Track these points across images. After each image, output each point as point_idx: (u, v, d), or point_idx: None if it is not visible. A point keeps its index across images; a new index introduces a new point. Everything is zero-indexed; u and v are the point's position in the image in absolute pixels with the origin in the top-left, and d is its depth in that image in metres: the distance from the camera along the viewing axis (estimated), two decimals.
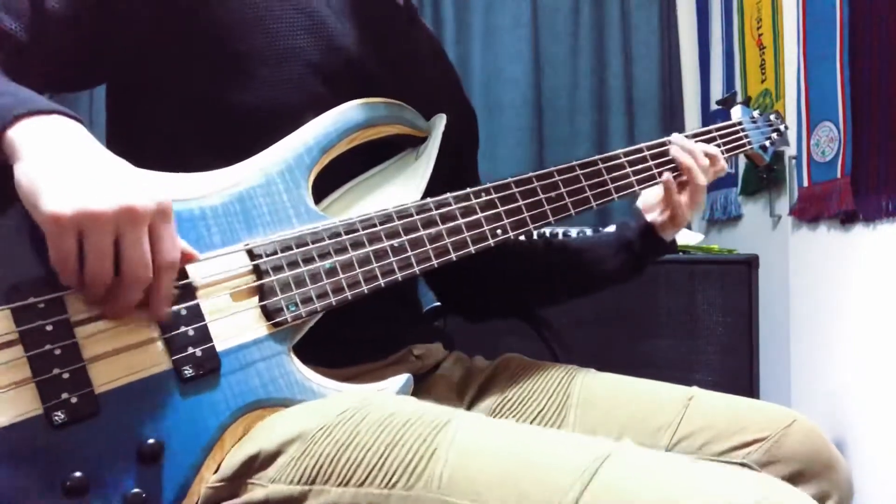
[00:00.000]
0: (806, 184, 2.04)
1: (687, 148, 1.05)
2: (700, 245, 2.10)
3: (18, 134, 0.61)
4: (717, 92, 2.63)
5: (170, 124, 0.82)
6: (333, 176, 0.83)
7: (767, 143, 1.22)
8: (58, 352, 0.60)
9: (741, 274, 1.92)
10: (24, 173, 0.59)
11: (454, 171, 0.95)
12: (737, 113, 1.21)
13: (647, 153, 1.04)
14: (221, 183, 0.74)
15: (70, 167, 0.59)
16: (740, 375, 1.88)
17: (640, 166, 1.02)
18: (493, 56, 2.62)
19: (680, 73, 2.76)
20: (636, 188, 1.01)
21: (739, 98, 1.24)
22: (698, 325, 1.92)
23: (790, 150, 2.11)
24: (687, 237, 2.13)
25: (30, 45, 0.74)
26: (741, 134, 1.17)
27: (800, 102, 2.05)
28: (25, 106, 0.62)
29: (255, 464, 0.66)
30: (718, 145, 1.11)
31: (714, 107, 2.65)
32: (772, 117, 1.25)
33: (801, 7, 2.03)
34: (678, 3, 2.77)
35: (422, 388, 0.93)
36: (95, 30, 0.78)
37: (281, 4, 0.84)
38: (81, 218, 0.58)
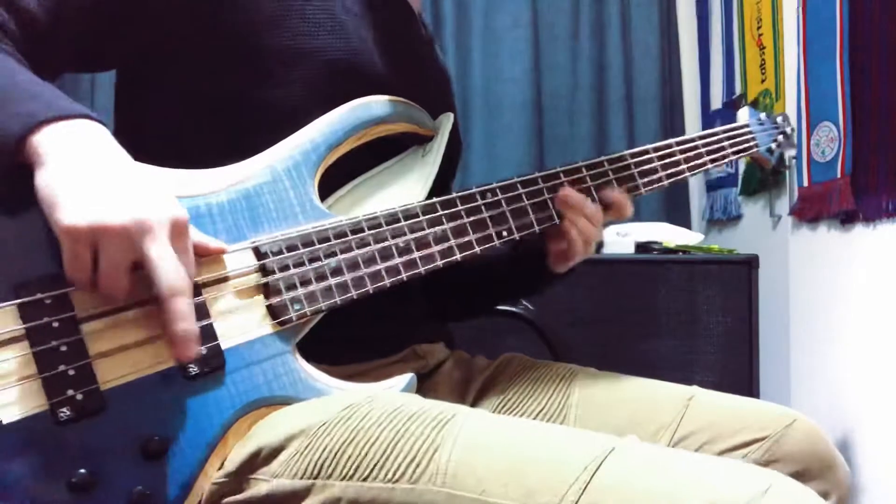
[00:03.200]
0: (806, 184, 2.05)
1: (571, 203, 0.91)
2: (700, 245, 2.10)
3: (42, 140, 0.61)
4: (717, 92, 2.63)
5: (181, 119, 0.82)
6: (339, 172, 0.83)
7: (774, 145, 1.21)
8: (64, 348, 0.60)
9: (741, 274, 1.92)
10: (45, 181, 0.59)
11: (442, 177, 0.93)
12: (744, 115, 1.20)
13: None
14: (228, 179, 0.74)
15: (89, 177, 0.60)
16: (740, 375, 1.88)
17: (646, 167, 1.01)
18: (493, 56, 2.62)
19: (680, 74, 2.77)
20: (642, 191, 1.00)
21: (746, 100, 1.24)
22: (698, 325, 1.92)
23: (790, 150, 2.11)
24: (687, 237, 2.14)
25: (49, 25, 0.74)
26: (748, 136, 1.16)
27: (800, 102, 2.05)
28: (51, 111, 0.62)
29: (259, 459, 0.67)
30: (725, 147, 1.10)
31: (714, 107, 2.66)
32: (779, 119, 1.24)
33: (801, 7, 2.03)
34: (678, 3, 2.77)
35: (424, 387, 0.93)
36: (115, 17, 0.78)
37: (305, 4, 0.83)
38: (96, 231, 0.58)
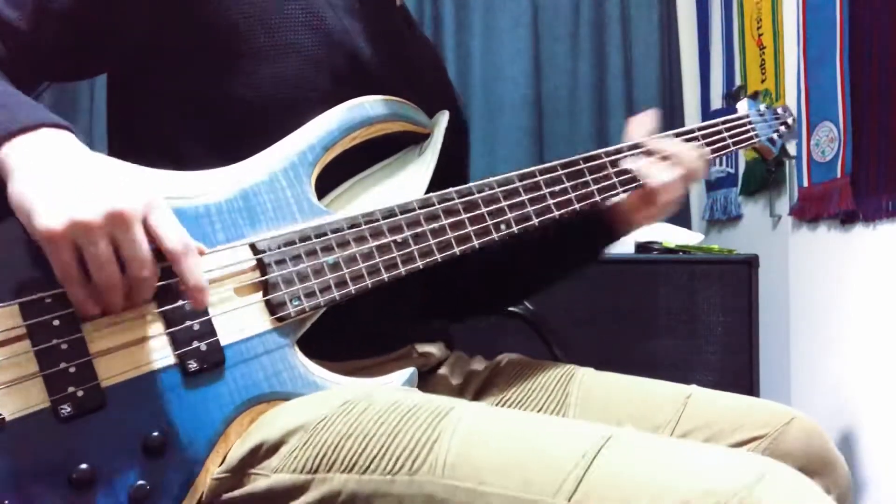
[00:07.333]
0: (806, 184, 2.05)
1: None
2: (700, 245, 2.10)
3: (8, 153, 0.62)
4: (717, 92, 2.63)
5: (170, 121, 0.83)
6: (336, 172, 0.83)
7: (775, 135, 1.20)
8: (64, 346, 0.61)
9: (741, 274, 1.92)
10: (15, 193, 0.60)
11: (444, 180, 0.92)
12: (743, 106, 1.19)
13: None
14: (225, 180, 0.74)
15: (56, 180, 0.60)
16: (740, 375, 1.88)
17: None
18: (493, 56, 2.62)
19: (680, 73, 2.77)
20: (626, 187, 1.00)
21: (745, 92, 1.23)
22: (698, 325, 1.92)
23: (790, 150, 2.12)
24: (687, 237, 2.14)
25: (30, 36, 0.75)
26: (748, 127, 1.15)
27: (800, 102, 2.05)
28: (14, 123, 0.63)
29: (259, 454, 0.67)
30: (725, 139, 1.10)
31: (714, 107, 2.66)
32: (779, 110, 1.24)
33: (801, 7, 2.03)
34: (678, 3, 2.78)
35: (422, 387, 0.92)
36: (96, 25, 0.78)
37: (284, 1, 0.84)
38: (73, 230, 0.58)
